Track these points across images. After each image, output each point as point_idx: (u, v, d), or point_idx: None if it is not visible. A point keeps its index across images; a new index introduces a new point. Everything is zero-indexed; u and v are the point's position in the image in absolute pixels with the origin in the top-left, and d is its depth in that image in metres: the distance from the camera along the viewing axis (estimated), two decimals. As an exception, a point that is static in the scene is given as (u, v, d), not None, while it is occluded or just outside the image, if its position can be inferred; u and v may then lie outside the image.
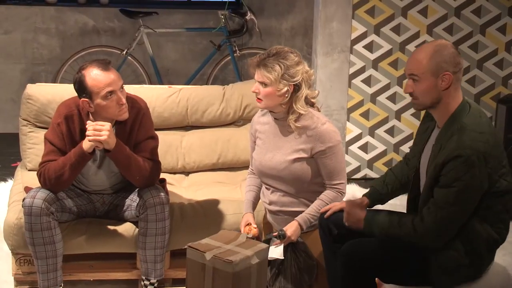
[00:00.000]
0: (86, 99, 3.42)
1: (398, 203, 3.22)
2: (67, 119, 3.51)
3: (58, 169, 3.41)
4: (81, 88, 3.41)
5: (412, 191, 3.10)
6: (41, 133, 3.97)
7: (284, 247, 3.35)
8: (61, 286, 3.49)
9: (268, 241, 3.32)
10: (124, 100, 3.45)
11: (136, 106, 3.59)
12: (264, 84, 3.31)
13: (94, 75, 3.39)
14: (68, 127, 3.50)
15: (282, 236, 3.33)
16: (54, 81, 6.31)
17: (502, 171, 2.87)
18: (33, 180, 3.92)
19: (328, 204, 3.31)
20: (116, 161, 3.44)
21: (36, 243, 3.39)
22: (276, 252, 3.31)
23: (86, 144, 3.37)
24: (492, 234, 2.90)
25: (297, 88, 3.34)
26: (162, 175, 3.83)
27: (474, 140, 2.79)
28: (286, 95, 3.33)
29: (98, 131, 3.33)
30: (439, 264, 2.89)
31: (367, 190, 3.32)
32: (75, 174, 3.46)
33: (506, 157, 2.93)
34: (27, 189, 3.61)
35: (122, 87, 3.47)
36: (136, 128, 3.56)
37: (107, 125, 3.34)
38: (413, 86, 2.92)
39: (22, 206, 3.40)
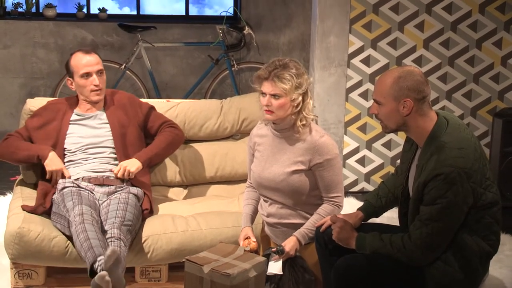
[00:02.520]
0: (70, 78, 3.97)
1: (395, 216, 3.24)
2: (50, 104, 4.06)
3: (14, 146, 3.89)
4: (67, 68, 3.98)
5: (402, 206, 3.12)
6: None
7: (282, 262, 3.36)
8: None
9: (267, 256, 3.32)
10: (98, 83, 3.90)
11: (119, 92, 4.15)
12: (277, 96, 3.32)
13: (76, 57, 3.94)
14: (48, 110, 4.00)
15: (280, 252, 3.34)
16: (53, 95, 6.33)
17: (487, 183, 2.89)
18: (32, 193, 3.96)
19: (324, 217, 3.32)
20: (157, 162, 4.10)
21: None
22: (275, 267, 3.31)
23: (48, 166, 3.82)
24: (484, 247, 2.92)
25: (305, 96, 3.38)
26: (158, 190, 4.00)
27: (454, 157, 2.81)
28: (297, 105, 3.36)
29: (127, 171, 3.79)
30: (434, 281, 2.90)
31: (362, 204, 3.34)
32: (15, 161, 3.94)
33: (489, 167, 2.95)
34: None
35: (100, 72, 3.94)
36: (129, 107, 4.05)
37: (131, 167, 3.82)
38: (377, 109, 2.97)
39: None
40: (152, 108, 4.11)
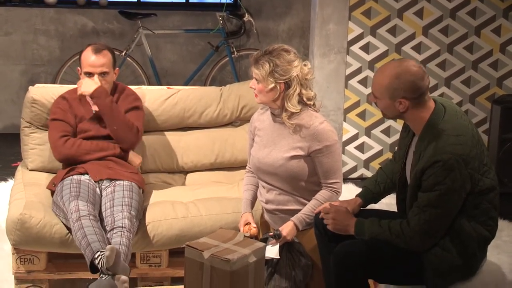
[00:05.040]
0: (79, 68, 3.92)
1: (393, 202, 3.24)
2: (65, 98, 3.93)
3: (85, 150, 3.80)
4: (79, 58, 3.95)
5: (400, 192, 3.12)
6: (44, 134, 4.01)
7: (280, 247, 3.37)
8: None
9: (264, 241, 3.32)
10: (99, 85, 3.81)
11: (127, 89, 4.05)
12: (257, 80, 3.37)
13: (86, 52, 3.88)
14: (68, 102, 3.91)
15: (277, 236, 3.34)
16: (53, 82, 6.32)
17: (484, 169, 2.89)
18: (34, 179, 3.97)
19: (323, 204, 3.32)
20: (98, 105, 3.82)
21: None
22: (272, 251, 3.32)
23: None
24: (482, 232, 2.92)
25: (287, 86, 3.36)
26: (158, 176, 3.92)
27: (452, 144, 2.81)
28: (276, 92, 3.35)
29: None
30: (433, 267, 2.90)
31: (361, 190, 3.34)
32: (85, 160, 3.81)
33: (487, 154, 2.95)
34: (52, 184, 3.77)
35: (104, 74, 3.85)
36: (123, 101, 3.95)
37: (85, 79, 3.83)
38: (375, 100, 2.99)
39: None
40: (137, 107, 3.98)
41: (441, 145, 2.81)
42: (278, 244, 3.35)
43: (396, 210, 3.17)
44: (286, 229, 3.36)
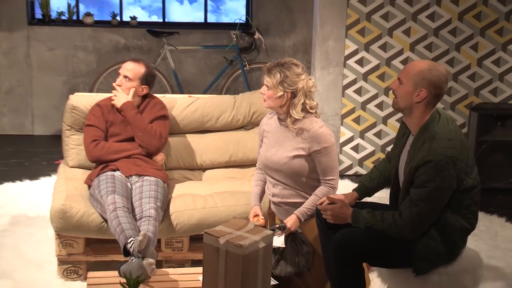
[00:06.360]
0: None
1: (384, 196, 3.23)
2: (99, 105, 3.93)
3: (111, 151, 3.79)
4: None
5: (393, 186, 3.10)
6: (82, 136, 4.01)
7: (285, 236, 3.36)
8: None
9: (271, 230, 3.32)
10: (118, 83, 3.87)
11: (156, 98, 4.05)
12: (267, 87, 3.35)
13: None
14: (101, 109, 3.90)
15: (283, 228, 3.33)
16: (90, 91, 6.33)
17: (468, 170, 2.86)
18: (74, 175, 3.97)
19: (321, 198, 3.30)
20: (124, 116, 3.84)
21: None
22: (278, 241, 3.31)
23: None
24: (464, 224, 2.90)
25: (293, 95, 3.35)
26: (180, 173, 3.87)
27: (443, 147, 2.78)
28: (283, 100, 3.34)
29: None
30: (420, 253, 2.88)
31: (356, 185, 3.32)
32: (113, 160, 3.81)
33: (473, 157, 2.93)
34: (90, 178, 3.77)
35: (127, 78, 3.87)
36: (150, 110, 3.94)
37: (118, 89, 3.89)
38: (397, 86, 2.93)
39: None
40: (163, 117, 3.97)
41: (434, 147, 2.78)
42: (284, 234, 3.34)
43: (387, 203, 3.15)
44: (290, 221, 3.35)
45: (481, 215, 4.42)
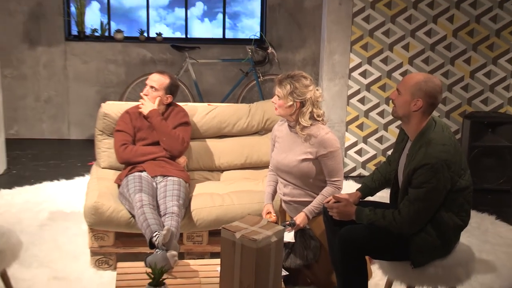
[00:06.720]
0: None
1: (385, 195, 3.21)
2: (128, 112, 3.94)
3: (138, 154, 3.80)
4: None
5: (393, 187, 3.09)
6: (112, 140, 4.03)
7: (294, 232, 3.35)
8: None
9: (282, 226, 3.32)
10: (145, 92, 3.89)
11: (179, 106, 4.05)
12: (278, 97, 3.34)
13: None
14: (130, 116, 3.91)
15: (292, 225, 3.33)
16: (120, 99, 6.36)
17: (461, 172, 2.84)
18: (105, 175, 3.99)
19: (327, 197, 3.29)
20: (150, 123, 3.84)
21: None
22: (288, 236, 3.31)
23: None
24: (457, 221, 2.88)
25: (302, 105, 3.34)
26: (200, 173, 3.88)
27: (438, 151, 2.76)
28: (293, 109, 3.33)
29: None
30: (417, 247, 2.86)
31: (360, 185, 3.31)
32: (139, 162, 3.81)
33: (465, 161, 2.90)
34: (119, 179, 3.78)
35: (153, 88, 3.88)
36: (173, 117, 3.93)
37: (145, 98, 3.90)
38: (396, 96, 2.92)
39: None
40: (186, 123, 3.98)
41: (430, 151, 2.77)
42: (293, 230, 3.33)
43: (388, 202, 3.13)
44: (299, 218, 3.35)
45: (473, 213, 4.36)
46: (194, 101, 6.49)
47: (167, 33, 6.96)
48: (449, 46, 5.40)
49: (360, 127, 5.53)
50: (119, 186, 3.76)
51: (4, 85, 6.21)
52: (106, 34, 6.70)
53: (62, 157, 5.94)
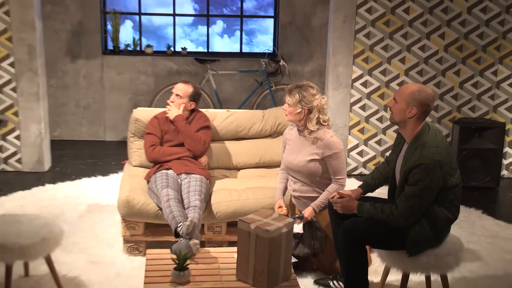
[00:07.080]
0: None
1: (384, 192, 3.19)
2: (156, 117, 3.94)
3: (165, 154, 3.79)
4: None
5: (391, 184, 3.07)
6: (142, 142, 4.05)
7: (303, 224, 3.34)
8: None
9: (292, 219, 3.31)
10: (171, 99, 3.87)
11: (201, 112, 4.03)
12: (288, 105, 3.33)
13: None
14: (158, 120, 3.90)
15: (301, 218, 3.32)
16: (149, 106, 6.39)
17: (451, 172, 2.82)
18: (136, 173, 4.00)
19: (332, 193, 3.28)
20: (176, 126, 3.83)
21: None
22: (297, 227, 3.30)
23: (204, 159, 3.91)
24: (448, 215, 2.86)
25: (309, 111, 3.33)
26: (220, 172, 3.91)
27: (432, 153, 2.74)
28: (301, 115, 3.32)
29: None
30: (412, 238, 2.84)
31: (361, 183, 3.29)
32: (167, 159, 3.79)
33: (455, 161, 2.88)
34: (148, 176, 3.76)
35: (178, 96, 3.85)
36: (196, 122, 3.91)
37: (172, 105, 3.88)
38: (393, 104, 2.90)
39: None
40: (207, 127, 3.97)
41: (424, 153, 2.75)
42: (302, 222, 3.32)
43: (386, 197, 3.11)
44: (307, 212, 3.34)
45: (462, 208, 4.35)
46: (215, 107, 6.50)
47: (191, 47, 6.98)
48: (440, 60, 5.36)
49: (361, 131, 5.50)
50: (148, 182, 3.78)
51: (50, 94, 6.28)
52: (138, 48, 6.74)
53: (98, 157, 5.97)
